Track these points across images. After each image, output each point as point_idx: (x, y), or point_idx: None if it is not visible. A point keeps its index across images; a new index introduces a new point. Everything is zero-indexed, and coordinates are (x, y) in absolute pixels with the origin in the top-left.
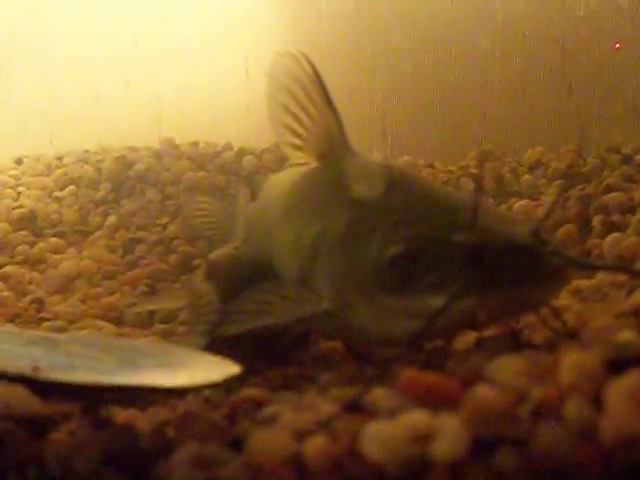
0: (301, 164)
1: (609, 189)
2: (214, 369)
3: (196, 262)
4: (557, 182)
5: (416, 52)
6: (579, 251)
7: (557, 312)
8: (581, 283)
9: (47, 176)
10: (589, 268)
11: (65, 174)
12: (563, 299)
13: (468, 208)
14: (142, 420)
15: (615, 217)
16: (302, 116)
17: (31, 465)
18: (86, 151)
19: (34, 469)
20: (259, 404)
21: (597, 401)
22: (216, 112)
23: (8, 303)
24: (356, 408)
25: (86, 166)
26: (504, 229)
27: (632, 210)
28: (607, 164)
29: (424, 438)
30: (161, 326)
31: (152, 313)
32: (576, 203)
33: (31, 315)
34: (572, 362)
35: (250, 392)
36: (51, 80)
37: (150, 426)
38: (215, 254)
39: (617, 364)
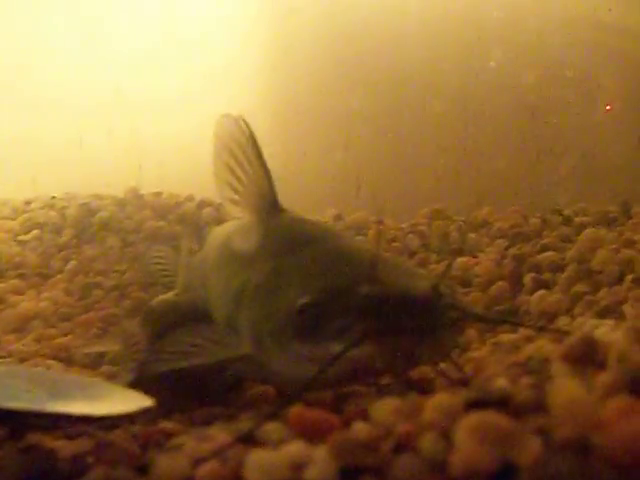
0: (238, 218)
1: (545, 248)
2: (131, 402)
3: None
4: (498, 241)
5: (383, 114)
6: (508, 307)
7: (453, 361)
8: (502, 337)
9: (13, 220)
10: (480, 320)
11: (30, 219)
12: (480, 350)
13: (372, 262)
14: (66, 447)
15: (546, 275)
16: (240, 174)
17: None
18: (53, 197)
19: None
20: (170, 435)
21: (451, 437)
22: (195, 161)
23: None
24: (249, 439)
25: (51, 212)
26: (404, 282)
27: (562, 268)
28: (548, 225)
29: (299, 466)
30: (108, 367)
31: (101, 354)
32: (511, 261)
33: None
34: (436, 402)
35: (165, 425)
36: (36, 124)
37: (71, 452)
38: (156, 300)
39: (476, 405)
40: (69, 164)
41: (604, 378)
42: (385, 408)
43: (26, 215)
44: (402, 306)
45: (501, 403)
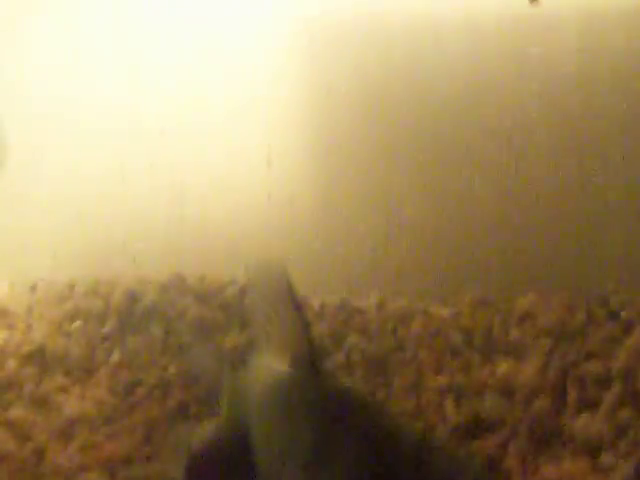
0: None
1: (590, 355)
2: None
3: (192, 410)
4: (542, 340)
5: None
6: (552, 429)
7: None
8: None
9: (58, 307)
10: None
11: (75, 307)
12: None
13: (420, 447)
14: None
15: (591, 391)
16: (274, 326)
17: None
18: (95, 281)
19: None
20: None
21: None
22: (237, 198)
23: (10, 456)
24: None
25: (96, 299)
26: (452, 472)
27: (609, 383)
28: (593, 320)
29: None
30: None
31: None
32: (555, 372)
33: (32, 467)
34: None
35: None
36: (79, 157)
37: None
38: (198, 439)
39: None
40: (111, 198)
41: None
42: None
43: (70, 302)
44: None
45: None
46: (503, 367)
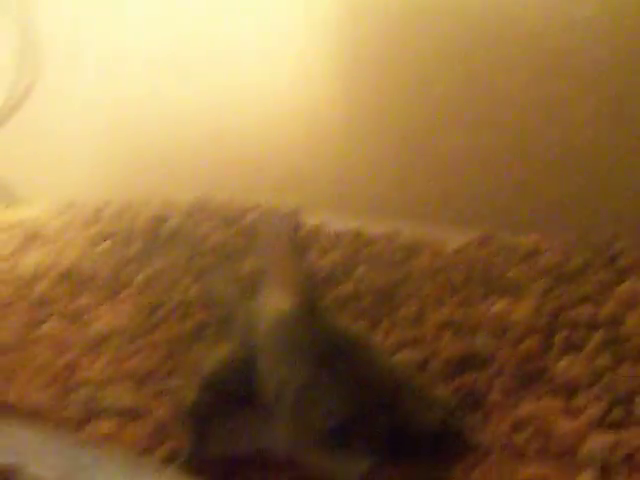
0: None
1: (583, 299)
2: None
3: (208, 330)
4: (541, 280)
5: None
6: (537, 368)
7: None
8: None
9: (87, 229)
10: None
11: (103, 229)
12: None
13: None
14: None
15: (580, 333)
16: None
17: None
18: (124, 203)
19: None
20: None
21: None
22: (264, 118)
23: (46, 367)
24: None
25: (122, 222)
26: (421, 412)
27: (597, 327)
28: (591, 264)
29: None
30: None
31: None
32: (546, 314)
33: (65, 380)
34: None
35: None
36: (116, 74)
37: None
38: (212, 361)
39: None
40: (146, 114)
41: None
42: None
43: (98, 225)
44: (412, 439)
45: None
46: (499, 305)
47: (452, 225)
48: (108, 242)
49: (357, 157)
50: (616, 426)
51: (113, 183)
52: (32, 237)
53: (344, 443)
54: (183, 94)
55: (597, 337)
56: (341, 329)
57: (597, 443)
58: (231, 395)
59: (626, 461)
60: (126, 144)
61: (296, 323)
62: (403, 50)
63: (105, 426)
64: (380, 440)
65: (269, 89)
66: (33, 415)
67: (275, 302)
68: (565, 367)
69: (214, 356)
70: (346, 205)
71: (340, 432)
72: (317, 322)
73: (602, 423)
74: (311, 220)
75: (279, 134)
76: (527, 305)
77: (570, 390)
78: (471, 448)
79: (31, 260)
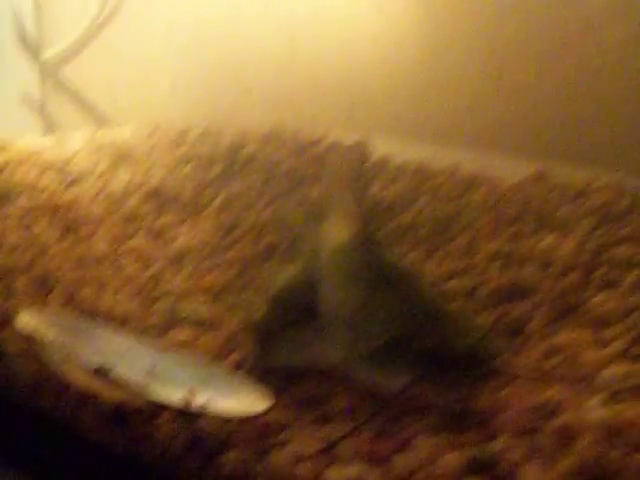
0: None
1: (625, 239)
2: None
3: (278, 251)
4: (587, 219)
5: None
6: (575, 302)
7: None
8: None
9: (173, 151)
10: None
11: (187, 152)
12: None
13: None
14: None
15: (616, 272)
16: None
17: None
18: (205, 128)
19: None
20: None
21: None
22: (346, 39)
23: (132, 279)
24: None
25: (205, 146)
26: (456, 338)
27: (637, 266)
28: (637, 205)
29: None
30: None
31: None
32: (589, 251)
33: (149, 291)
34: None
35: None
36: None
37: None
38: (278, 282)
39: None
40: (226, 37)
41: None
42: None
43: (183, 148)
44: (445, 360)
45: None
46: (547, 240)
47: (515, 155)
48: (191, 164)
49: (431, 84)
50: (635, 359)
51: (195, 104)
52: (122, 157)
53: (387, 360)
54: (263, 17)
55: (632, 275)
56: (392, 260)
57: (612, 372)
58: (295, 313)
59: (633, 389)
60: (207, 65)
61: (353, 252)
62: None
63: (184, 334)
64: (417, 360)
65: (347, 15)
66: (121, 322)
67: (336, 231)
68: (599, 302)
69: (282, 276)
70: (416, 131)
71: (384, 350)
72: (371, 253)
73: (625, 355)
74: (379, 150)
75: (356, 60)
76: (572, 242)
77: (602, 323)
78: (499, 372)
79: (121, 179)
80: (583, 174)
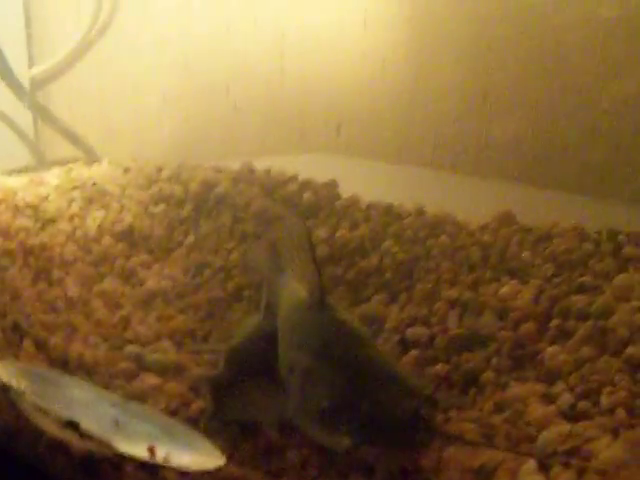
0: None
1: (581, 288)
2: (208, 457)
3: (245, 293)
4: (547, 266)
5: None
6: (529, 353)
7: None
8: None
9: (146, 190)
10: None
11: (160, 190)
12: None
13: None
14: None
15: (571, 323)
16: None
17: None
18: (179, 166)
19: None
20: None
21: None
22: (334, 55)
23: (103, 321)
24: None
25: (177, 185)
26: (397, 402)
27: (589, 317)
28: (598, 252)
29: None
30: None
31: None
32: (547, 299)
33: (118, 336)
34: None
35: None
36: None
37: None
38: (239, 333)
39: None
40: (215, 51)
41: None
42: None
43: (156, 186)
44: (386, 425)
45: None
46: (506, 288)
47: (497, 180)
48: (163, 204)
49: (415, 103)
50: (578, 417)
51: (184, 119)
52: (96, 196)
53: (332, 422)
54: (252, 35)
55: (583, 330)
56: (345, 323)
57: (553, 432)
58: (254, 365)
59: (570, 453)
60: (196, 82)
61: (308, 313)
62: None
63: (151, 380)
64: (361, 423)
65: (335, 34)
66: (91, 367)
67: (294, 290)
68: (552, 354)
69: (243, 327)
70: (411, 146)
71: (330, 413)
72: (325, 315)
73: (571, 411)
74: (350, 188)
75: (343, 78)
76: (531, 290)
77: (553, 376)
78: (444, 431)
79: (95, 217)
80: (546, 220)
